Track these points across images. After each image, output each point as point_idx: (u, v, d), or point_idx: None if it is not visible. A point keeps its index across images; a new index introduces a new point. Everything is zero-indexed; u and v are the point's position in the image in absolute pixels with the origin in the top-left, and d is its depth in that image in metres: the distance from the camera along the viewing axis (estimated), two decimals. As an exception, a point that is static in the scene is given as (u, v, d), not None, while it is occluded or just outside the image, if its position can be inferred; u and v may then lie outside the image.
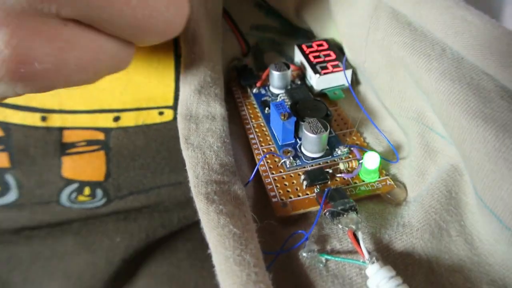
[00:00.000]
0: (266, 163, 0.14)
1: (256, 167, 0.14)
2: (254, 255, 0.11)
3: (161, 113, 0.18)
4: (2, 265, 0.17)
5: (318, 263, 0.12)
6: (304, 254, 0.12)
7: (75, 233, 0.18)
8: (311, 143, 0.14)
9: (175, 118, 0.17)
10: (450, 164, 0.13)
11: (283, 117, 0.14)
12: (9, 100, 0.16)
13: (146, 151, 0.17)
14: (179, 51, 0.18)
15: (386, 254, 0.12)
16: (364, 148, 0.15)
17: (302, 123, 0.14)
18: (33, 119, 0.17)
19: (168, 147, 0.17)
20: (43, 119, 0.17)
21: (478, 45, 0.12)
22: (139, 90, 0.18)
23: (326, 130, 0.14)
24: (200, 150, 0.14)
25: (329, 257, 0.12)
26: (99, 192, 0.17)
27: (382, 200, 0.13)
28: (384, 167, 0.14)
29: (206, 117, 0.15)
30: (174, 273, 0.17)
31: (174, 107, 0.17)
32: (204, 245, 0.12)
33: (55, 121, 0.17)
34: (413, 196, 0.13)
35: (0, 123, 0.16)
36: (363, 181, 0.14)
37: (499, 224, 0.11)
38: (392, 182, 0.14)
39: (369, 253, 0.11)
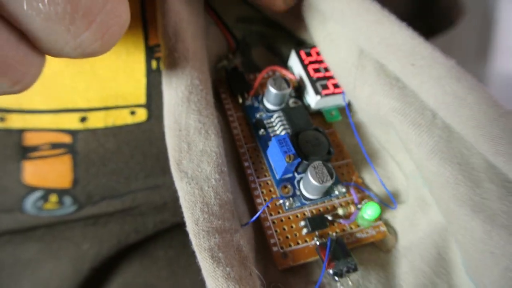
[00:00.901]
0: (263, 201, 0.14)
1: (258, 214, 0.13)
2: None
3: (132, 113, 0.16)
4: None
5: None
6: None
7: (37, 240, 0.16)
8: (315, 189, 0.13)
9: (149, 118, 0.15)
10: (439, 220, 0.13)
11: (288, 159, 0.13)
12: None
13: (117, 155, 0.15)
14: (149, 42, 0.15)
15: None
16: (361, 187, 0.15)
17: (306, 163, 0.14)
18: None
19: (143, 151, 0.16)
20: (1, 120, 0.14)
21: (471, 126, 0.11)
22: (105, 86, 0.15)
23: (332, 179, 0.13)
24: (197, 184, 0.12)
25: None
26: (67, 200, 0.15)
27: (374, 247, 0.14)
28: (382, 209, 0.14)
29: (198, 132, 0.13)
30: (153, 283, 0.17)
31: (147, 105, 0.15)
32: (186, 251, 0.11)
33: (14, 122, 0.14)
34: (403, 246, 0.14)
35: None
36: (359, 226, 0.14)
37: None
38: (385, 229, 0.14)
39: None
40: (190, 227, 0.12)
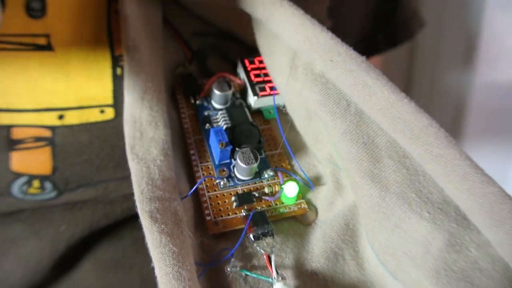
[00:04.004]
0: (203, 182, 0.17)
1: (195, 187, 0.16)
2: (189, 270, 0.13)
3: (102, 111, 0.19)
4: None
5: (239, 277, 0.15)
6: (228, 269, 0.15)
7: (23, 221, 0.19)
8: (243, 170, 0.16)
9: (116, 116, 0.19)
10: (352, 200, 0.16)
11: (221, 146, 0.16)
12: None
13: (90, 147, 0.18)
14: (115, 52, 0.19)
15: (293, 272, 0.15)
16: (288, 171, 0.17)
17: (237, 149, 0.16)
18: None
19: (111, 144, 0.19)
20: None
21: (376, 109, 0.14)
22: (80, 90, 0.18)
23: (256, 162, 0.16)
24: (145, 164, 0.15)
25: (248, 273, 0.15)
26: (48, 185, 0.18)
27: (296, 220, 0.17)
28: (302, 190, 0.17)
29: (149, 124, 0.16)
30: (119, 259, 0.20)
31: (114, 105, 0.19)
32: None
33: (3, 119, 0.18)
34: (322, 220, 0.16)
35: None
36: (283, 203, 0.17)
37: (376, 257, 0.15)
38: (305, 206, 0.17)
39: (277, 273, 0.14)
40: (137, 195, 0.15)
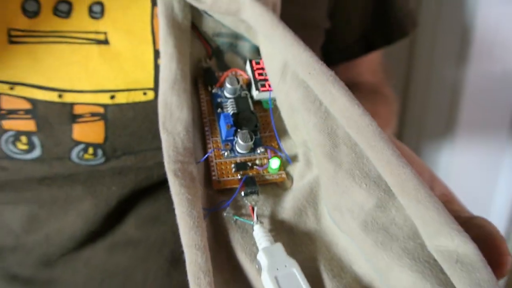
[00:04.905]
0: (213, 152, 0.23)
1: (206, 155, 0.22)
2: (198, 212, 0.20)
3: (145, 93, 0.25)
4: (32, 204, 0.26)
5: (231, 220, 0.21)
6: (225, 214, 0.21)
7: (82, 183, 0.26)
8: (241, 146, 0.22)
9: (155, 97, 0.25)
10: (317, 173, 0.22)
11: (227, 127, 0.22)
12: (35, 83, 0.23)
13: (134, 122, 0.25)
14: (156, 47, 0.25)
15: (269, 220, 0.21)
16: (275, 149, 0.24)
17: (239, 131, 0.23)
18: (52, 96, 0.23)
19: (150, 120, 0.25)
20: (60, 96, 0.24)
21: (337, 110, 0.20)
22: (128, 76, 0.25)
23: (252, 141, 0.22)
24: (172, 136, 0.22)
25: (238, 218, 0.21)
26: (99, 152, 0.25)
27: (276, 186, 0.23)
28: (284, 164, 0.23)
29: (176, 107, 0.23)
30: (155, 215, 0.26)
31: (154, 89, 0.25)
32: None
33: (68, 98, 0.24)
34: (295, 187, 0.23)
35: (29, 99, 0.23)
36: (269, 172, 0.23)
37: (328, 214, 0.21)
38: (285, 176, 0.23)
39: (257, 219, 0.21)
40: (165, 158, 0.21)
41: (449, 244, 0.16)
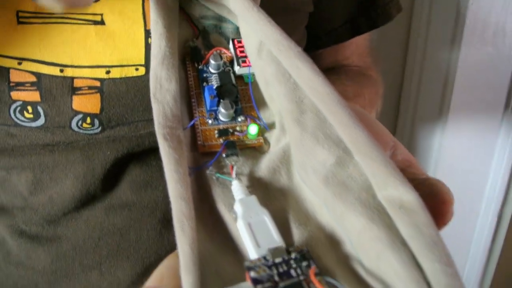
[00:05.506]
0: (198, 120, 0.26)
1: (192, 122, 0.25)
2: (184, 169, 0.23)
3: (137, 69, 0.28)
4: (36, 168, 0.29)
5: (214, 177, 0.24)
6: (208, 172, 0.24)
7: (80, 148, 0.29)
8: (224, 115, 0.25)
9: (146, 73, 0.28)
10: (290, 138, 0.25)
11: (211, 98, 0.25)
12: (40, 58, 0.26)
13: (127, 95, 0.28)
14: (147, 27, 0.27)
15: (246, 178, 0.24)
16: (254, 118, 0.26)
17: (221, 101, 0.25)
18: (55, 71, 0.27)
19: (142, 93, 0.28)
20: (61, 71, 0.27)
21: (303, 82, 0.23)
22: (122, 53, 0.28)
23: (232, 109, 0.25)
24: (162, 105, 0.25)
25: (219, 175, 0.24)
26: (96, 122, 0.28)
27: (255, 149, 0.26)
28: (262, 131, 0.26)
29: (166, 80, 0.26)
30: (148, 180, 0.30)
31: (145, 65, 0.28)
32: None
33: (68, 72, 0.27)
34: (271, 151, 0.26)
35: (35, 73, 0.26)
36: (248, 137, 0.26)
37: (297, 173, 0.24)
38: (262, 141, 0.26)
39: (236, 176, 0.24)
40: (156, 124, 0.24)
41: (394, 193, 0.19)
